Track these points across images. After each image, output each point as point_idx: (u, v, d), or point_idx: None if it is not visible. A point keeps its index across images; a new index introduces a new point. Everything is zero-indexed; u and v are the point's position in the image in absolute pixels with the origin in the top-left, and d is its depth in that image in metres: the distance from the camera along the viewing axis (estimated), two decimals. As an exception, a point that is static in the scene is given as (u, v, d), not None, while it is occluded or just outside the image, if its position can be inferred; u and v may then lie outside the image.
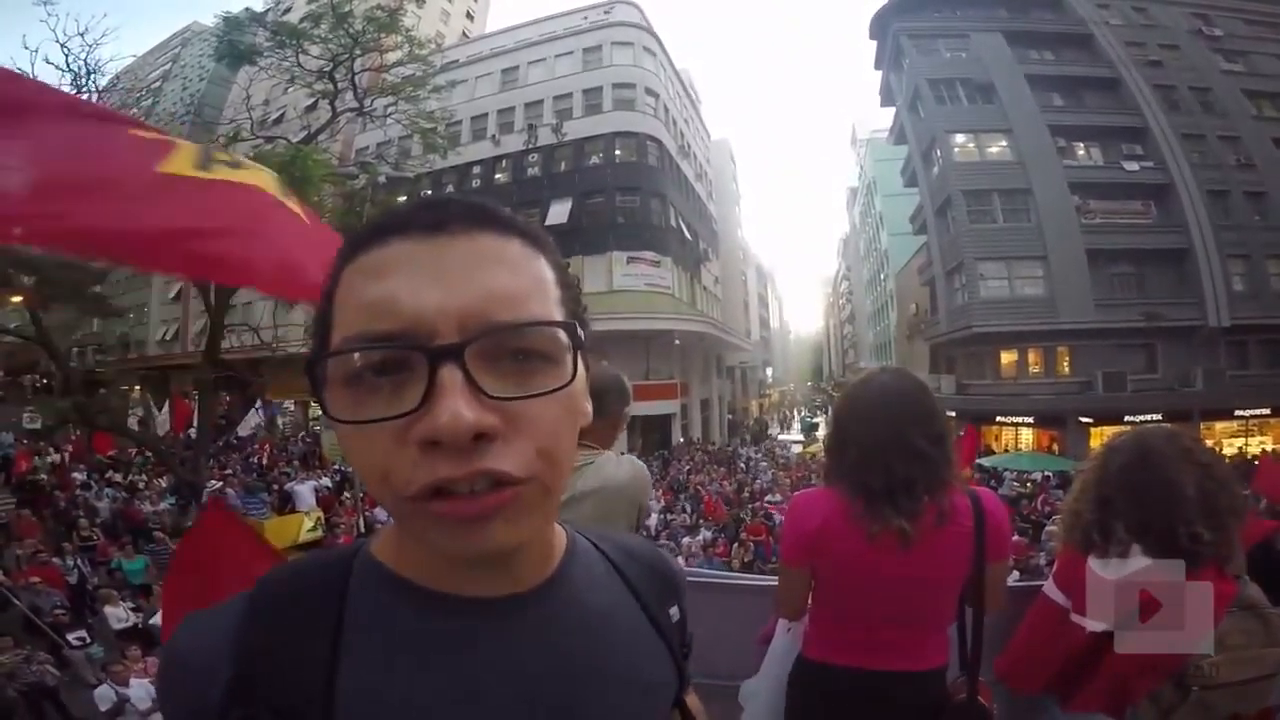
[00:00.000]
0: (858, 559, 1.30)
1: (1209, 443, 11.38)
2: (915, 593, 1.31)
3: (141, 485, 13.39)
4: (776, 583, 1.52)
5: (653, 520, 11.52)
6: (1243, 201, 20.08)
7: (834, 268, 75.15)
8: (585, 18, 26.94)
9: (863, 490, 1.30)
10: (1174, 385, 19.32)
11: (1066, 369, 20.63)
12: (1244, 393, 18.78)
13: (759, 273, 58.61)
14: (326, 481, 13.14)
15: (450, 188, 23.31)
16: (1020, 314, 20.21)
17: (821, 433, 29.24)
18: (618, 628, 0.57)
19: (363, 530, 6.80)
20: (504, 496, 0.42)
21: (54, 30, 11.84)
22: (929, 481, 1.29)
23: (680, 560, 8.73)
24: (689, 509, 13.50)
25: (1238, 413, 19.25)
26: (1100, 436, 15.29)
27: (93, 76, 12.32)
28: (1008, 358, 21.67)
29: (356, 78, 14.12)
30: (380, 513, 7.81)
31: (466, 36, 34.19)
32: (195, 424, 14.27)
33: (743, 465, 21.37)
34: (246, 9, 15.38)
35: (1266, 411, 19.02)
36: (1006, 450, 20.12)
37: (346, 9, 13.07)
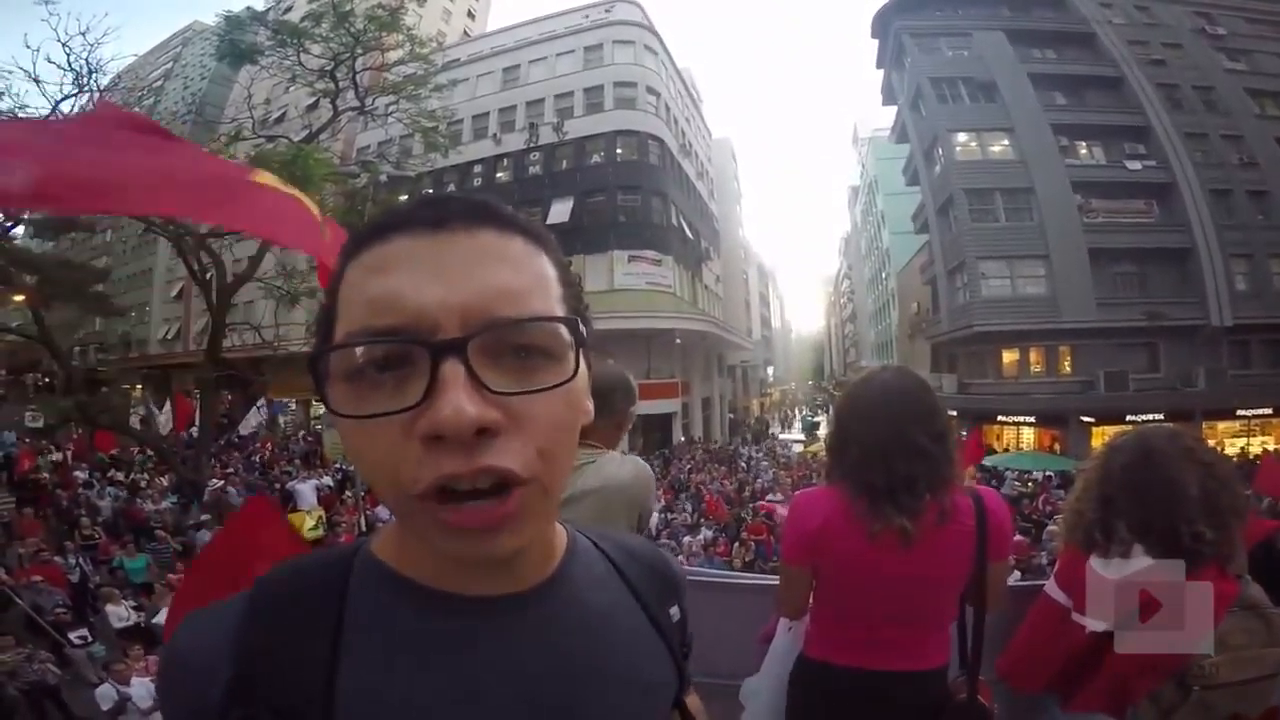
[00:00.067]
0: (859, 558, 1.30)
1: (1211, 442, 11.35)
2: (916, 591, 1.31)
3: (143, 484, 13.41)
4: (777, 582, 1.52)
5: (654, 520, 11.52)
6: (1245, 200, 20.05)
7: (835, 266, 75.14)
8: (586, 16, 26.93)
9: (864, 489, 1.30)
10: (1176, 385, 19.29)
11: (1068, 368, 20.62)
12: (1246, 392, 18.74)
13: (760, 271, 58.61)
14: (328, 480, 13.15)
15: (452, 186, 23.32)
16: (1022, 313, 20.19)
17: (823, 432, 29.22)
18: (618, 627, 0.57)
19: (364, 529, 6.80)
20: (510, 508, 0.42)
21: (55, 29, 11.84)
22: (931, 480, 1.28)
23: (681, 559, 8.73)
24: (690, 508, 13.51)
25: (1240, 412, 19.20)
26: (1102, 436, 15.27)
27: (94, 76, 12.31)
28: (1009, 357, 21.65)
29: (358, 77, 14.13)
30: (382, 511, 7.82)
31: (468, 35, 34.20)
32: (197, 423, 14.32)
33: (744, 464, 21.37)
34: (248, 8, 15.40)
35: (1269, 411, 18.98)
36: (1008, 450, 20.11)
37: (348, 8, 13.08)
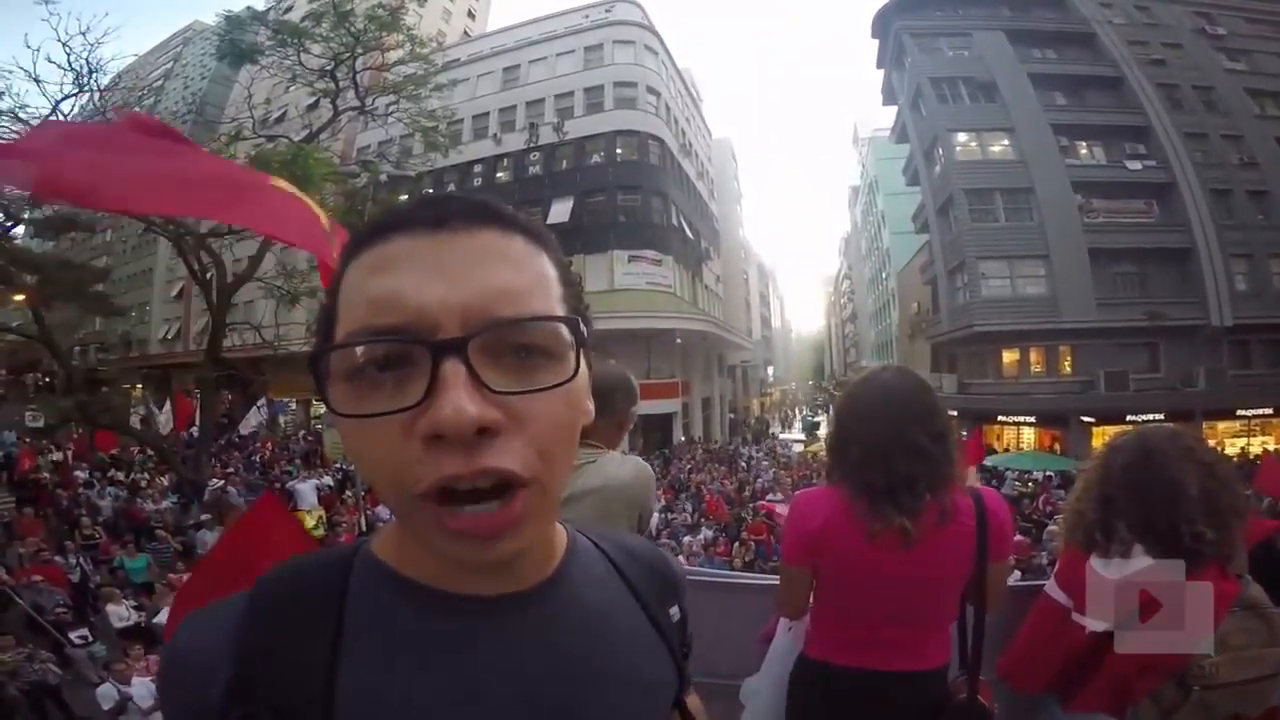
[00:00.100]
0: (859, 558, 1.30)
1: (1211, 442, 11.35)
2: (916, 591, 1.31)
3: (144, 484, 13.40)
4: (778, 582, 1.52)
5: (654, 520, 11.49)
6: (1245, 200, 20.04)
7: (835, 266, 75.08)
8: (586, 16, 26.93)
9: (865, 489, 1.30)
10: (1176, 385, 19.29)
11: (1068, 368, 20.62)
12: (1246, 392, 18.75)
13: (760, 271, 58.60)
14: (328, 480, 13.15)
15: (452, 186, 23.34)
16: (1022, 313, 20.18)
17: (823, 432, 29.22)
18: (618, 627, 0.57)
19: (365, 529, 6.79)
20: (513, 512, 0.42)
21: (56, 29, 11.84)
22: (931, 479, 1.28)
23: (681, 559, 8.74)
24: (690, 508, 13.51)
25: (1240, 412, 19.20)
26: (1102, 436, 15.27)
27: (94, 75, 12.30)
28: (1010, 357, 21.65)
29: (358, 76, 14.13)
30: (383, 511, 7.81)
31: (468, 35, 34.20)
32: (197, 422, 14.33)
33: (744, 464, 21.37)
34: (248, 8, 15.39)
35: (1269, 411, 18.98)
36: (1008, 450, 20.11)
37: (348, 8, 13.07)
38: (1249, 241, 19.57)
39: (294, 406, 25.09)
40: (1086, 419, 18.87)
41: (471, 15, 39.03)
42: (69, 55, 11.84)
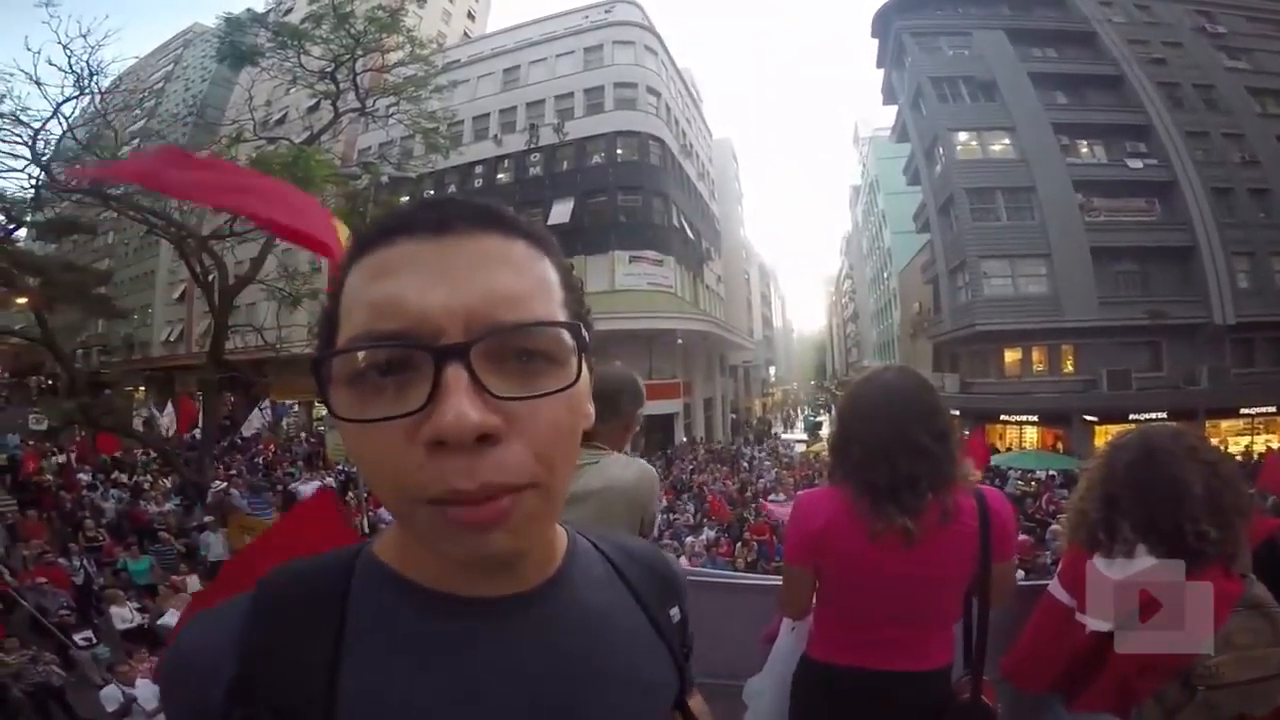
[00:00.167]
0: (861, 558, 1.30)
1: (1214, 441, 11.36)
2: (918, 591, 1.31)
3: (147, 486, 13.44)
4: (780, 582, 1.52)
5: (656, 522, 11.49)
6: (1247, 199, 20.02)
7: (837, 266, 74.99)
8: (586, 17, 26.94)
9: (867, 488, 1.30)
10: (1179, 383, 19.26)
11: (1071, 367, 20.60)
12: (1249, 390, 18.72)
13: (762, 271, 58.60)
14: (331, 482, 13.14)
15: (453, 188, 23.35)
16: (1024, 312, 20.17)
17: (825, 432, 29.19)
18: (618, 628, 0.57)
19: (367, 531, 6.80)
20: (503, 505, 0.42)
21: (56, 32, 11.87)
22: (933, 479, 1.28)
23: (684, 560, 8.73)
24: (692, 508, 13.50)
25: (1243, 411, 19.17)
26: (1105, 435, 15.22)
27: (95, 78, 12.34)
28: (1012, 356, 21.62)
29: (358, 78, 14.14)
30: (385, 513, 7.82)
31: (468, 36, 34.22)
32: (200, 424, 14.35)
33: (746, 464, 21.36)
34: (248, 10, 15.41)
35: (1272, 409, 18.95)
36: (1010, 449, 20.07)
37: (348, 9, 13.09)
38: (1251, 239, 19.55)
39: (296, 408, 25.11)
40: (1089, 418, 18.85)
41: (471, 16, 39.05)
42: (70, 58, 11.89)
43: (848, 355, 62.77)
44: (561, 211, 22.63)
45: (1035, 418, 20.90)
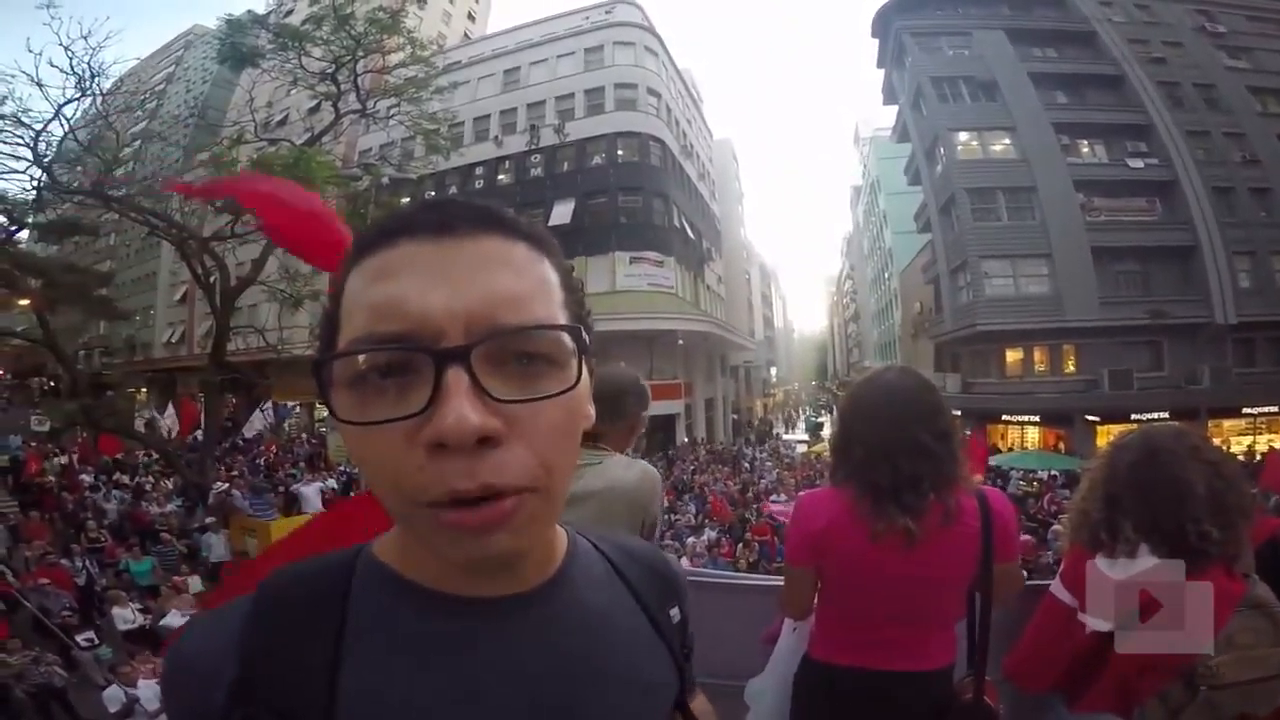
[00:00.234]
0: (863, 558, 1.30)
1: (1216, 441, 11.34)
2: (919, 591, 1.31)
3: (148, 487, 13.44)
4: (781, 583, 1.52)
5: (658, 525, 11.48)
6: (1248, 198, 20.00)
7: (838, 266, 74.99)
8: (587, 18, 26.95)
9: (869, 488, 1.30)
10: (1180, 383, 19.24)
11: (1072, 367, 20.58)
12: (1251, 390, 18.70)
13: (762, 272, 58.55)
14: (332, 483, 13.16)
15: (453, 189, 23.34)
16: (1025, 312, 20.15)
17: (826, 432, 29.18)
18: (618, 628, 0.57)
19: (368, 531, 6.81)
20: (504, 508, 0.42)
21: (57, 33, 11.88)
22: (935, 479, 1.28)
23: (685, 560, 8.73)
24: (694, 509, 13.49)
25: (1245, 410, 19.14)
26: (1107, 435, 15.23)
27: (97, 79, 12.35)
28: (1013, 356, 21.60)
29: (359, 79, 14.15)
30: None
31: (468, 37, 34.25)
32: (201, 426, 14.36)
33: (747, 465, 21.34)
34: (248, 11, 15.43)
35: (1274, 409, 18.93)
36: (1012, 449, 20.06)
37: (348, 11, 13.09)
38: (1252, 239, 19.53)
39: (298, 410, 25.13)
40: (1091, 418, 18.82)
41: (471, 17, 39.08)
42: (71, 59, 11.91)
43: (849, 355, 62.74)
44: (562, 212, 22.63)
45: (1037, 418, 20.87)
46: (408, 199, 15.26)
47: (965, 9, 24.23)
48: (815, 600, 1.43)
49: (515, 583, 0.51)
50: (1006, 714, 1.42)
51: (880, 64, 28.06)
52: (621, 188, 23.54)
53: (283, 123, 21.59)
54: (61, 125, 12.65)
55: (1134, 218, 20.56)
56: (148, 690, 5.03)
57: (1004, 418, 21.48)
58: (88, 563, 8.63)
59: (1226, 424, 19.30)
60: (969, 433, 13.70)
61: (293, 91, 17.39)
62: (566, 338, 0.45)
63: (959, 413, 18.17)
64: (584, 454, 1.51)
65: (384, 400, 0.41)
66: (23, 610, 7.03)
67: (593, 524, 0.74)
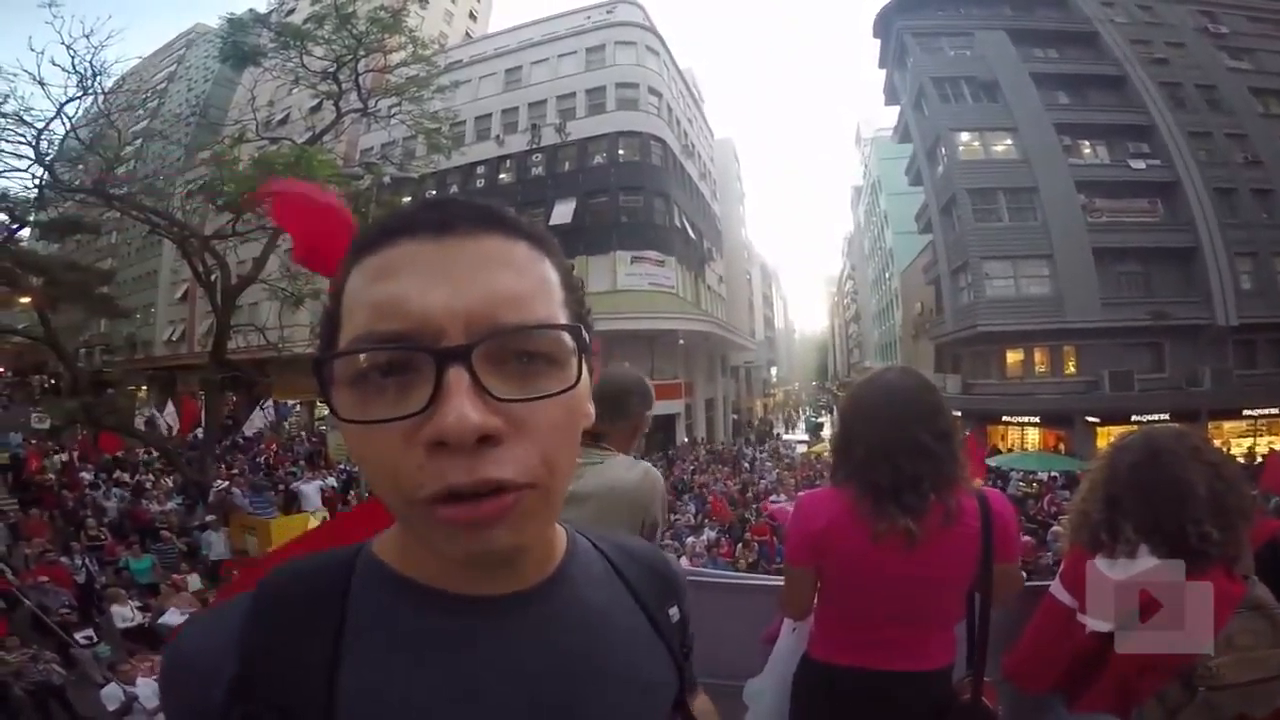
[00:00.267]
0: (863, 558, 1.30)
1: (1217, 442, 11.32)
2: (919, 592, 1.31)
3: (149, 485, 13.45)
4: (781, 583, 1.52)
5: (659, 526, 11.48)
6: (1250, 199, 19.98)
7: (839, 267, 74.98)
8: (588, 17, 26.97)
9: (870, 489, 1.30)
10: (1181, 384, 19.21)
11: (1073, 368, 20.56)
12: (1252, 392, 18.67)
13: (763, 272, 58.52)
14: (332, 481, 13.18)
15: (455, 188, 23.38)
16: (1026, 313, 20.13)
17: (827, 432, 29.18)
18: (617, 627, 0.57)
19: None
20: (505, 502, 0.42)
21: (59, 32, 11.86)
22: (936, 479, 1.28)
23: (685, 560, 8.73)
24: (694, 509, 13.49)
25: (1246, 412, 19.12)
26: (1107, 436, 15.22)
27: (98, 78, 12.34)
28: (1014, 357, 21.58)
29: (360, 79, 14.14)
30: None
31: (470, 37, 34.26)
32: (202, 424, 14.37)
33: (747, 465, 21.34)
34: (250, 10, 15.44)
35: (1275, 410, 18.89)
36: (1012, 450, 20.04)
37: (350, 10, 13.08)
38: (1253, 240, 19.51)
39: (298, 408, 25.15)
40: (1091, 419, 18.80)
41: (473, 17, 39.09)
42: (73, 58, 11.89)
43: (849, 356, 62.72)
44: (563, 212, 22.64)
45: (1037, 419, 20.85)
46: (409, 198, 15.25)
47: (967, 9, 24.22)
48: (815, 600, 1.43)
49: (514, 581, 0.51)
50: (1006, 714, 1.42)
51: (882, 64, 28.04)
52: (623, 187, 23.55)
53: (284, 121, 21.61)
54: (63, 124, 12.66)
55: (1135, 219, 20.54)
56: (146, 688, 5.02)
57: (1004, 419, 21.47)
58: (87, 560, 8.63)
59: (1227, 426, 19.28)
60: (968, 434, 13.67)
61: (294, 90, 17.40)
62: (567, 337, 0.45)
63: (959, 414, 18.16)
64: (586, 453, 1.51)
65: (385, 399, 0.42)
66: (22, 608, 7.03)
67: (592, 524, 0.74)
